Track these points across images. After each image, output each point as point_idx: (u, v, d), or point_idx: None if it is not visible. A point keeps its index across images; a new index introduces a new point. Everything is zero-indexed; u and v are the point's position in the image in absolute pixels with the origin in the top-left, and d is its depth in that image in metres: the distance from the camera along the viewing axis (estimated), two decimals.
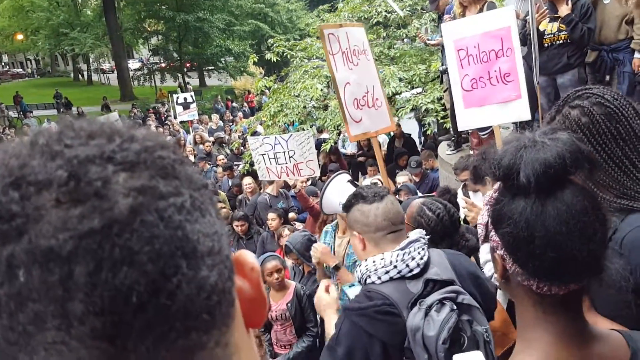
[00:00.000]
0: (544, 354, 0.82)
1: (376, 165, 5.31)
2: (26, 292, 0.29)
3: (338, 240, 2.94)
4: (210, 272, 0.34)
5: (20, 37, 31.83)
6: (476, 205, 2.78)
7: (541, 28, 4.13)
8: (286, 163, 4.86)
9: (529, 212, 0.78)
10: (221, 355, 0.35)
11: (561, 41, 4.14)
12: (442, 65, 5.21)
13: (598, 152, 1.19)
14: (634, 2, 3.83)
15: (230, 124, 14.79)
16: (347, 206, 1.70)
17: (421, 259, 1.52)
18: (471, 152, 5.09)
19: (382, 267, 1.51)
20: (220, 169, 8.34)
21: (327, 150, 7.62)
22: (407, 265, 1.50)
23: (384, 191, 1.70)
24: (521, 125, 3.79)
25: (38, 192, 0.31)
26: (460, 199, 3.44)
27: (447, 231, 2.16)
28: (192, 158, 9.29)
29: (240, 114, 17.49)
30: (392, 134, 7.99)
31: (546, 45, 4.17)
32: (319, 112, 8.21)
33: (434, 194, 4.15)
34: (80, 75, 37.35)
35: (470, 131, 5.01)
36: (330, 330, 1.66)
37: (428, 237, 1.64)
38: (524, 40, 3.92)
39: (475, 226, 2.64)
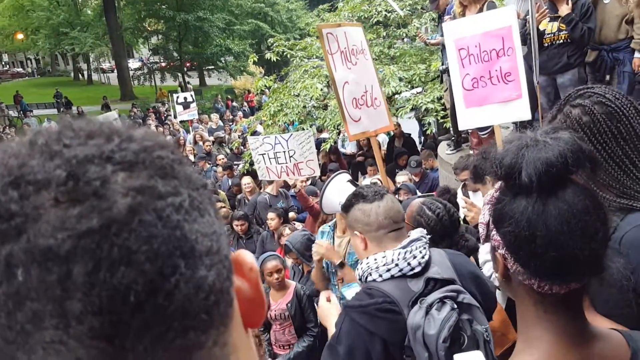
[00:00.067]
0: (545, 353, 0.83)
1: (376, 165, 5.31)
2: (24, 291, 0.29)
3: (337, 239, 2.93)
4: (208, 271, 0.34)
5: (20, 36, 31.82)
6: (476, 205, 2.79)
7: (541, 27, 4.13)
8: (286, 162, 4.86)
9: (530, 211, 0.78)
10: (219, 355, 0.35)
11: (561, 41, 4.14)
12: (442, 64, 5.21)
13: (598, 151, 1.19)
14: (635, 2, 3.83)
15: (230, 123, 14.78)
16: (347, 206, 1.70)
17: (422, 257, 1.52)
18: (471, 152, 5.09)
19: (384, 265, 1.51)
20: (220, 169, 8.34)
21: (327, 150, 7.62)
22: (409, 264, 1.50)
23: (384, 190, 1.71)
24: (521, 125, 3.79)
25: (37, 192, 0.31)
26: (460, 198, 3.44)
27: (446, 231, 2.16)
28: (192, 157, 9.30)
29: (240, 113, 17.50)
30: (392, 133, 7.99)
31: (546, 44, 4.17)
32: (318, 112, 8.20)
33: (433, 193, 4.14)
34: (80, 75, 37.34)
35: (470, 131, 5.02)
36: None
37: (429, 236, 1.65)
38: (524, 39, 3.91)
39: (475, 226, 2.65)
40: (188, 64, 31.50)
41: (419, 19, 8.57)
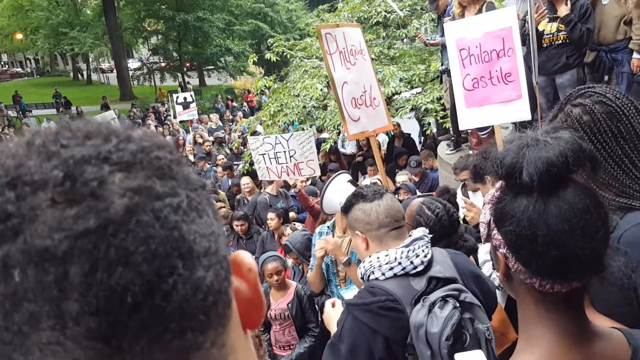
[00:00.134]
0: (546, 352, 0.83)
1: (376, 165, 5.32)
2: (21, 292, 0.29)
3: (338, 240, 2.93)
4: (206, 272, 0.34)
5: (19, 36, 31.83)
6: (475, 205, 2.79)
7: (540, 28, 4.13)
8: (287, 162, 4.86)
9: (531, 210, 0.78)
10: (217, 355, 0.35)
11: (560, 41, 4.14)
12: (442, 65, 5.22)
13: (598, 151, 1.20)
14: (633, 3, 3.83)
15: (230, 123, 14.79)
16: (348, 206, 1.71)
17: (425, 256, 1.53)
18: (470, 152, 5.09)
19: (387, 263, 1.52)
20: (220, 169, 8.34)
21: (327, 150, 7.62)
22: (412, 262, 1.51)
23: (383, 189, 1.72)
24: (521, 125, 3.80)
25: (34, 192, 0.31)
26: (460, 199, 3.44)
27: (445, 231, 2.16)
28: (191, 158, 9.30)
29: (240, 113, 17.50)
30: (391, 133, 8.00)
31: (545, 45, 4.18)
32: (318, 112, 8.21)
33: (433, 193, 4.14)
34: (79, 75, 37.35)
35: (469, 131, 5.02)
36: None
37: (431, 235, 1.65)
38: (523, 40, 3.92)
39: (475, 226, 2.65)
40: (188, 64, 31.51)
41: (419, 19, 8.58)
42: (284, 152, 4.82)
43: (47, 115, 19.82)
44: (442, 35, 4.98)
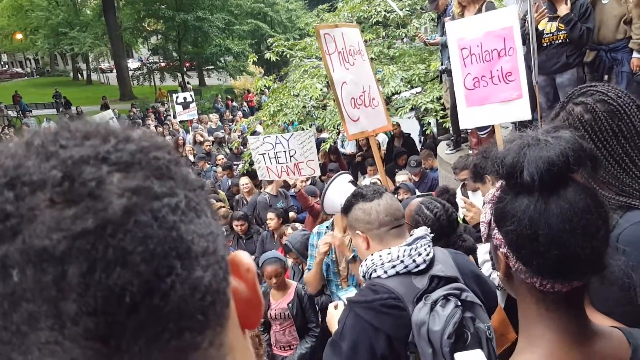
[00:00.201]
0: (546, 351, 0.83)
1: (376, 164, 5.32)
2: (20, 292, 0.29)
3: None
4: (204, 272, 0.34)
5: (19, 36, 31.83)
6: (475, 205, 2.79)
7: (540, 27, 4.14)
8: (287, 162, 4.86)
9: (532, 210, 0.78)
10: (215, 355, 0.35)
11: (560, 41, 4.14)
12: (442, 64, 5.22)
13: (599, 149, 1.20)
14: (634, 2, 3.83)
15: (230, 123, 14.79)
16: (348, 207, 1.72)
17: (427, 255, 1.54)
18: (470, 152, 5.10)
19: (389, 261, 1.53)
20: (219, 169, 8.34)
21: (327, 150, 7.62)
22: (414, 261, 1.52)
23: (382, 188, 1.72)
24: (521, 125, 3.80)
25: (32, 193, 0.31)
26: (459, 198, 3.45)
27: (444, 231, 2.17)
28: (191, 158, 9.30)
29: (239, 113, 17.51)
30: (391, 133, 8.00)
31: (545, 44, 4.18)
32: (318, 112, 8.21)
33: (432, 193, 4.15)
34: (79, 75, 37.35)
35: (469, 131, 5.02)
36: None
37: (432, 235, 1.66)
38: (523, 39, 3.92)
39: (474, 226, 2.65)
40: (187, 64, 31.51)
41: (418, 19, 8.58)
42: (284, 151, 4.82)
43: (47, 115, 19.82)
44: (442, 34, 4.99)
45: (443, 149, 5.77)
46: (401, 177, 5.52)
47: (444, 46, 4.87)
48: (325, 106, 8.20)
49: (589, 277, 0.81)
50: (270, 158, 4.93)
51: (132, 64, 35.04)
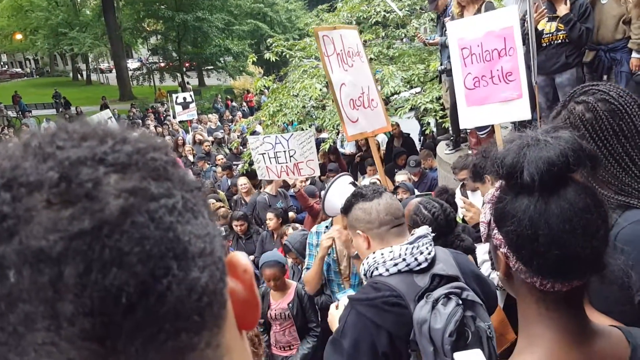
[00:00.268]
0: (546, 351, 0.83)
1: (375, 164, 5.32)
2: (16, 293, 0.29)
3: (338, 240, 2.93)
4: (201, 273, 0.34)
5: (19, 36, 31.83)
6: (474, 205, 2.79)
7: (539, 27, 4.14)
8: (286, 162, 4.87)
9: (532, 210, 0.78)
10: (212, 356, 0.35)
11: (559, 41, 4.14)
12: (441, 65, 5.22)
13: (599, 148, 1.21)
14: (633, 2, 3.84)
15: (230, 123, 14.79)
16: (348, 207, 1.72)
17: (429, 254, 1.55)
18: (469, 152, 5.10)
19: (391, 259, 1.53)
20: (219, 169, 8.34)
21: (326, 150, 7.62)
22: (416, 259, 1.52)
23: (382, 188, 1.73)
24: (520, 124, 3.80)
25: (29, 194, 0.31)
26: (459, 198, 3.45)
27: (442, 230, 2.17)
28: (191, 158, 9.30)
29: (239, 113, 17.51)
30: (391, 133, 8.00)
31: (544, 44, 4.18)
32: (317, 112, 8.21)
33: (431, 193, 4.15)
34: (79, 75, 37.35)
35: (468, 131, 5.03)
36: None
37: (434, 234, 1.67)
38: (523, 39, 3.92)
39: (474, 226, 2.65)
40: (187, 64, 31.51)
41: (418, 19, 8.58)
42: (284, 151, 4.83)
43: (47, 116, 19.82)
44: (441, 34, 4.99)
45: (442, 149, 5.78)
46: (400, 177, 5.52)
47: (444, 46, 4.87)
48: (325, 106, 8.20)
49: (589, 276, 0.81)
50: (270, 158, 4.94)
51: (132, 64, 35.04)
